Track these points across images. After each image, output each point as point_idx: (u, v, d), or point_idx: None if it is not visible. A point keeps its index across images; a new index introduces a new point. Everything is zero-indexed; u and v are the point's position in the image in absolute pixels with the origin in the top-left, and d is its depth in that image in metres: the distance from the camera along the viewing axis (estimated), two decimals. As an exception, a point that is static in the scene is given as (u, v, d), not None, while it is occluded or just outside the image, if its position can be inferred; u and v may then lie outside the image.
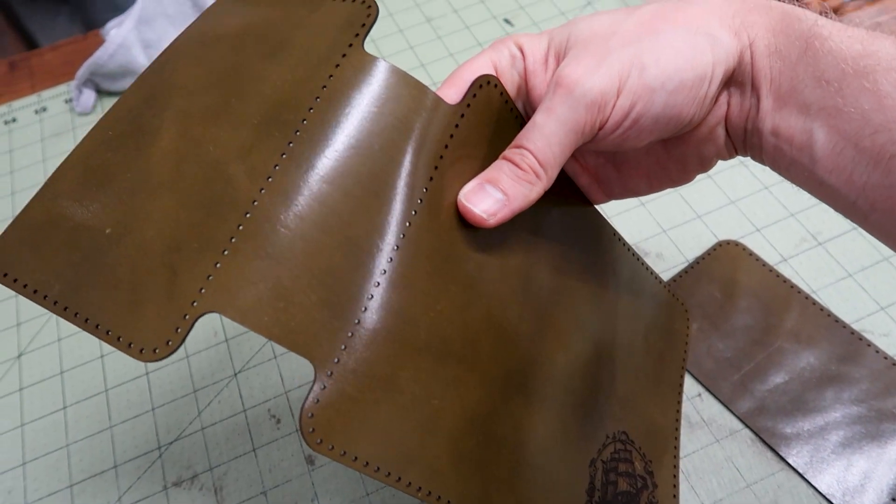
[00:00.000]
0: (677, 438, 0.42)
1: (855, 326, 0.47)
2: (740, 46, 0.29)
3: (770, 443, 0.43)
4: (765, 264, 0.50)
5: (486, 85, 0.31)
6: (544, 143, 0.29)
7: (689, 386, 0.45)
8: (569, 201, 0.37)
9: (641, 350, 0.42)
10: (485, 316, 0.30)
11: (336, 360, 0.25)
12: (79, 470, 0.46)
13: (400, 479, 0.26)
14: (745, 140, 0.31)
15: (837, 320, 0.47)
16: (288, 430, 0.46)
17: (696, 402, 0.45)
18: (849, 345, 0.46)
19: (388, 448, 0.26)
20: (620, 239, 0.40)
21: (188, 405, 0.48)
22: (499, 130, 0.32)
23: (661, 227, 0.53)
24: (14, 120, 0.68)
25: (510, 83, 0.33)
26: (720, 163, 0.56)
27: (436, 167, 0.29)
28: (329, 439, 0.25)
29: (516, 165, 0.29)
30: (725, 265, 0.50)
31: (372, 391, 0.26)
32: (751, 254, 0.50)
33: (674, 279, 0.50)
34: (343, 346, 0.26)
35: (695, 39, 0.28)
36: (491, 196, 0.29)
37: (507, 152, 0.30)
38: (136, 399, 0.48)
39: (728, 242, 0.51)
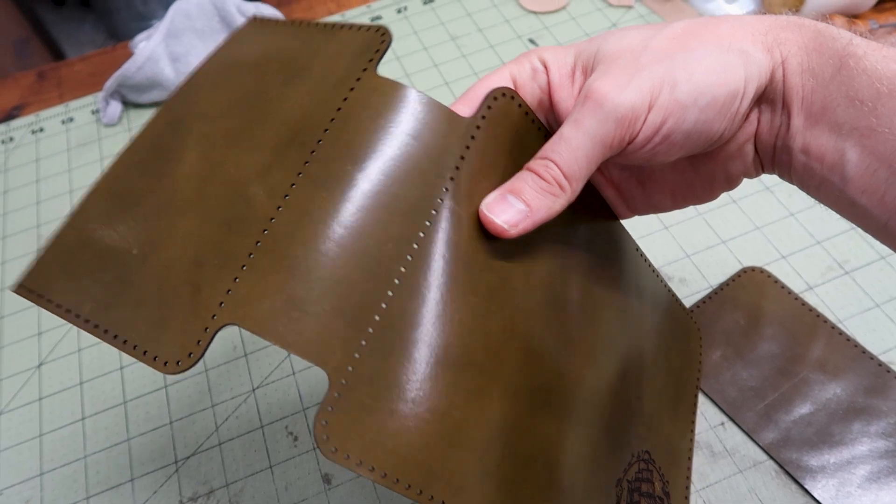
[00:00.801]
0: (690, 460, 0.42)
1: (882, 358, 0.46)
2: (772, 63, 0.29)
3: (795, 475, 0.42)
4: (790, 292, 0.49)
5: (500, 97, 0.31)
6: (570, 155, 0.29)
7: (713, 414, 0.45)
8: (596, 215, 0.36)
9: (664, 369, 0.41)
10: (507, 327, 0.30)
11: (350, 368, 0.25)
12: (95, 482, 0.46)
13: (422, 492, 0.26)
14: (773, 158, 0.31)
15: (864, 351, 0.46)
16: (305, 447, 0.45)
17: (718, 431, 0.44)
18: (876, 377, 0.45)
19: (408, 459, 0.26)
20: (643, 255, 0.40)
21: (206, 419, 0.47)
22: (520, 142, 0.32)
23: (684, 252, 0.53)
24: (41, 129, 0.69)
25: (530, 96, 0.32)
26: (746, 188, 0.55)
27: (451, 178, 0.29)
28: (344, 448, 0.25)
29: (540, 177, 0.29)
30: (750, 292, 0.49)
31: (388, 400, 0.26)
32: (776, 281, 0.50)
33: (697, 305, 0.49)
34: (356, 355, 0.26)
35: (727, 56, 0.28)
36: (513, 207, 0.29)
37: (532, 163, 0.30)
38: (155, 412, 0.48)
39: (753, 269, 0.51)
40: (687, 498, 0.40)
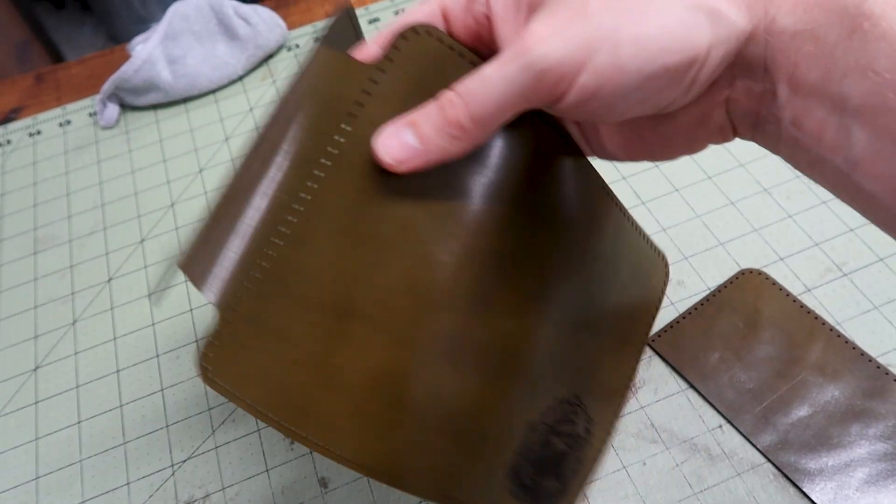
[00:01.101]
0: (624, 397, 0.42)
1: (881, 360, 0.46)
2: (752, 24, 0.25)
3: (793, 478, 0.42)
4: (788, 294, 0.49)
5: (412, 36, 0.29)
6: (483, 96, 0.26)
7: (710, 417, 0.44)
8: (557, 150, 0.33)
9: (613, 311, 0.40)
10: (403, 277, 0.29)
11: (233, 309, 0.28)
12: (91, 486, 0.45)
13: (293, 429, 0.28)
14: (756, 125, 0.28)
15: (863, 354, 0.46)
16: (301, 451, 0.45)
17: (716, 433, 0.44)
18: (875, 379, 0.45)
19: (280, 397, 0.28)
20: (609, 192, 0.37)
21: (202, 423, 0.47)
22: (447, 81, 0.28)
23: (682, 254, 0.52)
24: (38, 132, 0.69)
25: (462, 28, 0.30)
26: (744, 189, 0.55)
27: (344, 126, 0.28)
28: (221, 379, 0.27)
29: (443, 113, 0.26)
30: (748, 294, 0.49)
31: (262, 340, 0.28)
32: (774, 283, 0.50)
33: (695, 307, 0.49)
34: (239, 296, 0.28)
35: (691, 15, 0.24)
36: (404, 141, 0.27)
37: (442, 94, 0.27)
38: (151, 415, 0.48)
39: (751, 271, 0.50)
40: (609, 433, 0.41)
